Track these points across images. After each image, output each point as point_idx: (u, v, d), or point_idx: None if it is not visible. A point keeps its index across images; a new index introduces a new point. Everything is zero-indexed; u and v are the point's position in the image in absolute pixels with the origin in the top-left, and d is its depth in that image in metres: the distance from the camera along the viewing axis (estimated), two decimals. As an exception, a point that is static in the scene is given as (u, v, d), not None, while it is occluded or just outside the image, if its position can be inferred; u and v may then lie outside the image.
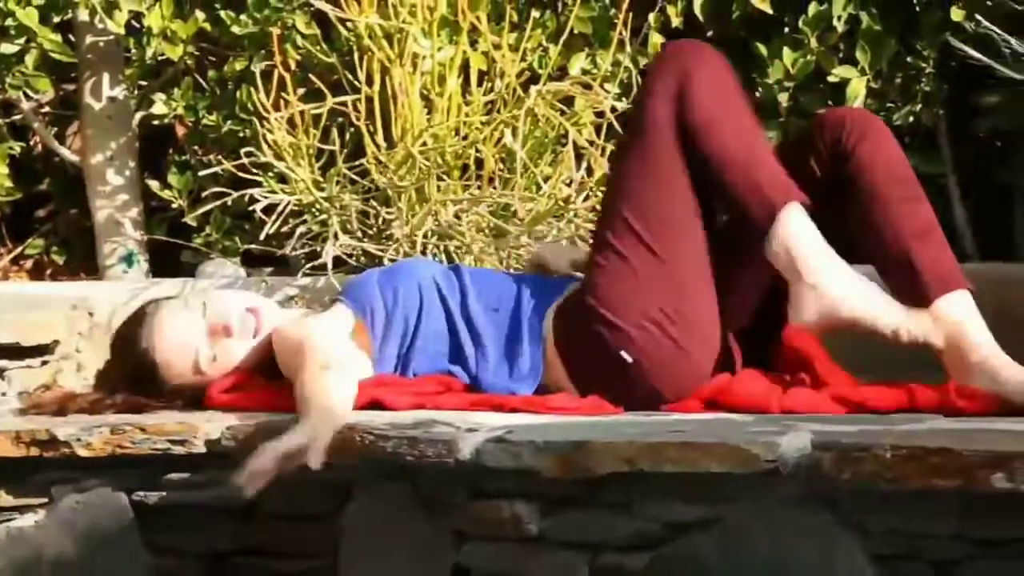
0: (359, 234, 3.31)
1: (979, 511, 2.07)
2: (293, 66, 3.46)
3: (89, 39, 3.91)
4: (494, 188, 3.30)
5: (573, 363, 2.63)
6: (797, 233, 2.53)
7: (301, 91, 3.39)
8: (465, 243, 3.25)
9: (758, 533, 2.18)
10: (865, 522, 2.15)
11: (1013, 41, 3.17)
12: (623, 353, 2.58)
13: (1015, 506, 2.04)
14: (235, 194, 3.39)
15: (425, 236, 3.25)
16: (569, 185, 3.31)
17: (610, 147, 3.31)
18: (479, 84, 3.34)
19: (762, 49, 3.61)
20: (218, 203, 3.49)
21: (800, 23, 3.56)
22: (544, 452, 2.24)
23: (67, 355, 3.11)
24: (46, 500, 2.51)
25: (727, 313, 2.62)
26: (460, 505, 2.32)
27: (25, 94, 3.91)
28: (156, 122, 3.90)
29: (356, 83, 3.34)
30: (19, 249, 4.24)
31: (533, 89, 3.30)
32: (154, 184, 3.84)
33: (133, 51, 3.83)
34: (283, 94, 3.30)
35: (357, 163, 3.35)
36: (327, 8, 3.39)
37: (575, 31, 3.53)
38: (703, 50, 2.67)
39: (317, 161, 3.35)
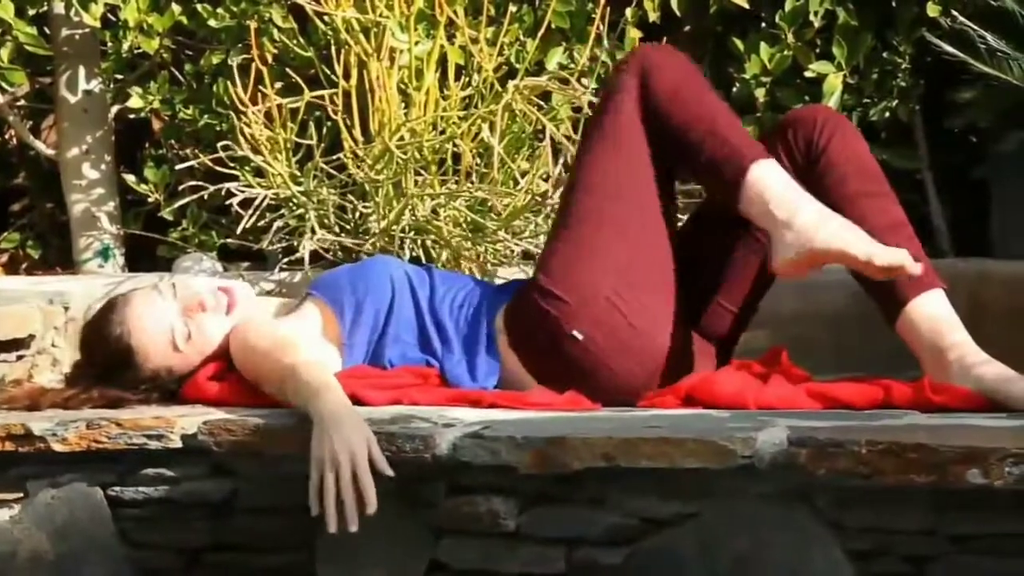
0: (336, 229, 3.31)
1: (954, 507, 2.08)
2: (270, 60, 3.45)
3: (65, 32, 3.89)
4: (471, 183, 3.30)
5: (527, 354, 2.64)
6: (768, 176, 2.54)
7: (278, 85, 3.39)
8: (442, 238, 3.25)
9: (734, 528, 2.19)
10: (841, 517, 2.15)
11: (989, 37, 3.19)
12: (575, 332, 2.59)
13: (989, 502, 2.05)
14: (212, 188, 3.38)
15: (402, 231, 3.25)
16: (546, 180, 3.31)
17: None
18: (456, 79, 3.34)
19: (739, 44, 3.62)
20: (194, 197, 3.48)
21: (777, 18, 3.58)
22: (521, 447, 2.25)
23: (43, 350, 3.09)
24: (21, 495, 2.50)
25: (713, 299, 2.64)
26: (437, 500, 2.32)
27: (0, 87, 3.89)
28: (132, 116, 3.89)
29: (333, 77, 3.34)
30: (-6, 243, 4.22)
31: (510, 84, 3.30)
32: (130, 178, 3.82)
33: (109, 44, 3.82)
34: (260, 88, 3.29)
35: (334, 157, 3.35)
36: (304, 2, 3.39)
37: (552, 26, 3.53)
38: (666, 47, 2.71)
39: (294, 155, 3.34)
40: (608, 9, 3.43)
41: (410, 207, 3.25)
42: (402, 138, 3.25)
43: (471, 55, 3.36)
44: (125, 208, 3.96)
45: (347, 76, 3.32)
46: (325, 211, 3.30)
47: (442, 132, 3.29)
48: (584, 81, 3.47)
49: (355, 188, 3.33)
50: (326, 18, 3.41)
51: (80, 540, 2.48)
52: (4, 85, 3.88)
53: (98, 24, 3.73)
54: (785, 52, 3.57)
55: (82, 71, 3.90)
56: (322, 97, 3.34)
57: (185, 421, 2.45)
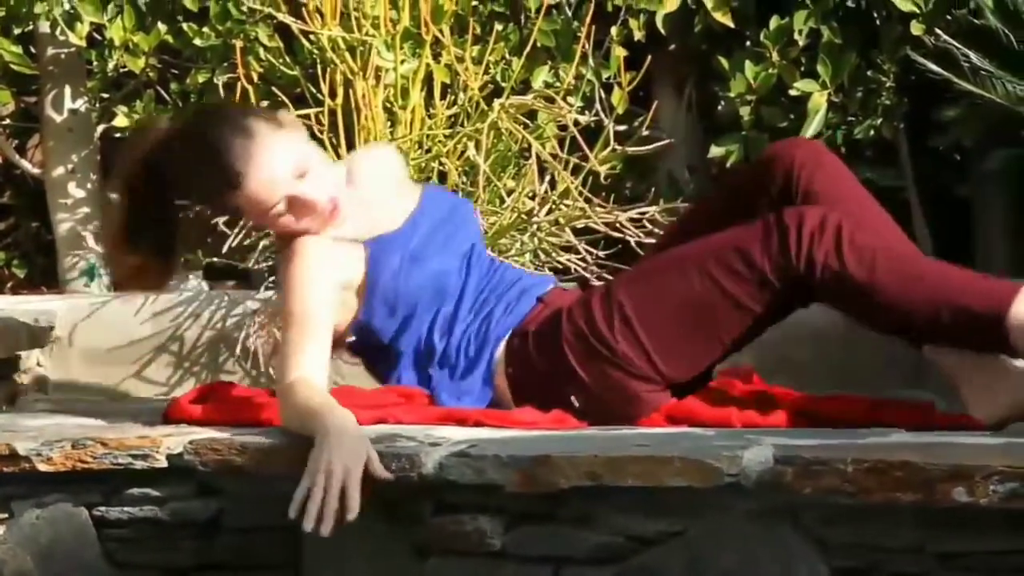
0: (322, 247, 3.30)
1: (940, 525, 2.08)
2: (256, 79, 3.45)
3: (50, 51, 3.89)
4: (457, 201, 3.30)
5: (522, 392, 2.64)
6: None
7: (264, 104, 3.38)
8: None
9: (721, 546, 2.18)
10: (827, 535, 2.15)
11: (972, 55, 3.20)
12: (573, 398, 2.59)
13: (975, 520, 2.05)
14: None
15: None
16: (532, 198, 3.31)
17: (573, 160, 3.32)
18: (442, 97, 3.35)
19: (724, 63, 3.63)
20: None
21: (762, 37, 3.59)
22: (507, 466, 2.25)
23: (28, 369, 3.09)
24: (6, 515, 2.49)
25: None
26: (423, 519, 2.32)
27: (-15, 106, 3.90)
28: (118, 135, 3.89)
29: (319, 96, 3.34)
30: (-21, 262, 4.22)
31: (496, 102, 3.30)
32: (116, 197, 3.81)
33: (95, 63, 3.82)
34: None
35: (320, 176, 3.34)
36: (290, 21, 3.39)
37: (538, 44, 3.54)
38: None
39: (280, 174, 3.34)
40: (593, 28, 3.43)
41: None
42: (388, 157, 3.25)
43: (457, 73, 3.36)
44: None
45: (333, 95, 3.33)
46: (311, 230, 3.29)
47: (428, 150, 3.30)
48: (570, 99, 3.47)
49: (341, 207, 3.33)
50: (312, 37, 3.41)
51: (65, 561, 2.47)
52: (-10, 104, 3.89)
53: (84, 43, 3.73)
54: (770, 71, 3.58)
55: (68, 90, 3.90)
56: (308, 115, 3.34)
57: (171, 440, 2.45)
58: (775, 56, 3.58)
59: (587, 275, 3.27)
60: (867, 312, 2.50)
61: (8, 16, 3.77)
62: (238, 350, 3.24)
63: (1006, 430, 2.42)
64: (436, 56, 3.39)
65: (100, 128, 3.96)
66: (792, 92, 3.57)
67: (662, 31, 3.65)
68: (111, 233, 2.80)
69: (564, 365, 2.60)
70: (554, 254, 3.29)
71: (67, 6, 3.70)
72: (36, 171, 3.98)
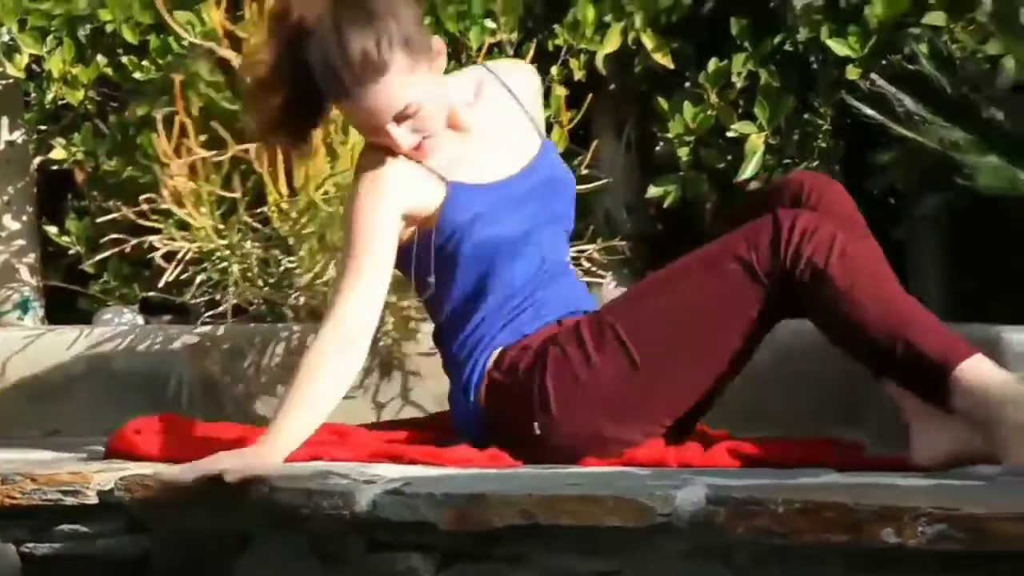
0: (260, 282, 3.30)
1: (869, 566, 2.10)
2: (195, 112, 3.45)
3: (-12, 82, 3.87)
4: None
5: (492, 402, 2.63)
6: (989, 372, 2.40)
7: (203, 138, 3.38)
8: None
9: (653, 586, 2.19)
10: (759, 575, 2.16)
11: (907, 101, 3.23)
12: (535, 425, 2.59)
13: (904, 561, 2.07)
14: (134, 241, 3.36)
15: (326, 284, 3.24)
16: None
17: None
18: (382, 134, 3.34)
19: (663, 103, 3.65)
20: (116, 250, 3.46)
21: (700, 78, 3.62)
22: (441, 504, 2.24)
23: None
24: (-67, 551, 2.46)
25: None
26: (356, 557, 2.31)
27: (-79, 137, 3.86)
28: (55, 167, 3.86)
29: (259, 131, 3.33)
30: (-88, 293, 4.17)
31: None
32: (52, 230, 3.79)
33: (32, 95, 3.80)
34: (185, 140, 3.29)
35: (259, 211, 3.34)
36: (230, 55, 3.39)
37: (479, 83, 3.55)
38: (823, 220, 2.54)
39: (218, 208, 3.33)
40: (534, 66, 3.45)
41: (334, 260, 3.25)
42: (327, 191, 3.25)
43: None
44: (46, 260, 3.93)
45: (273, 130, 3.32)
46: (249, 264, 3.28)
47: (367, 187, 3.29)
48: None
49: (279, 242, 3.32)
50: (252, 72, 3.41)
51: (-8, 597, 2.44)
52: (-74, 135, 3.85)
53: (22, 75, 3.71)
54: (708, 112, 3.61)
55: (5, 121, 3.87)
56: (247, 150, 3.33)
57: (101, 476, 2.43)
58: (713, 98, 3.61)
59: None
60: (833, 321, 2.48)
61: (-54, 47, 3.76)
62: (172, 384, 3.22)
63: (936, 472, 2.44)
64: (377, 93, 3.39)
65: (37, 160, 3.93)
66: (730, 133, 3.60)
67: (602, 71, 3.68)
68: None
69: (538, 389, 2.59)
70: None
71: (6, 38, 3.68)
72: (-28, 202, 3.95)
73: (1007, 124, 3.19)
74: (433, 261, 2.65)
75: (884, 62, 3.46)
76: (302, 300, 3.24)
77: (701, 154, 3.64)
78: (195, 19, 3.55)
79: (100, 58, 3.73)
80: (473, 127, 2.72)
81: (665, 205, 3.67)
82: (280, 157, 3.29)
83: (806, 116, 3.62)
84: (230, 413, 3.18)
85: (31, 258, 3.89)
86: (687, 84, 3.68)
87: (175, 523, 2.39)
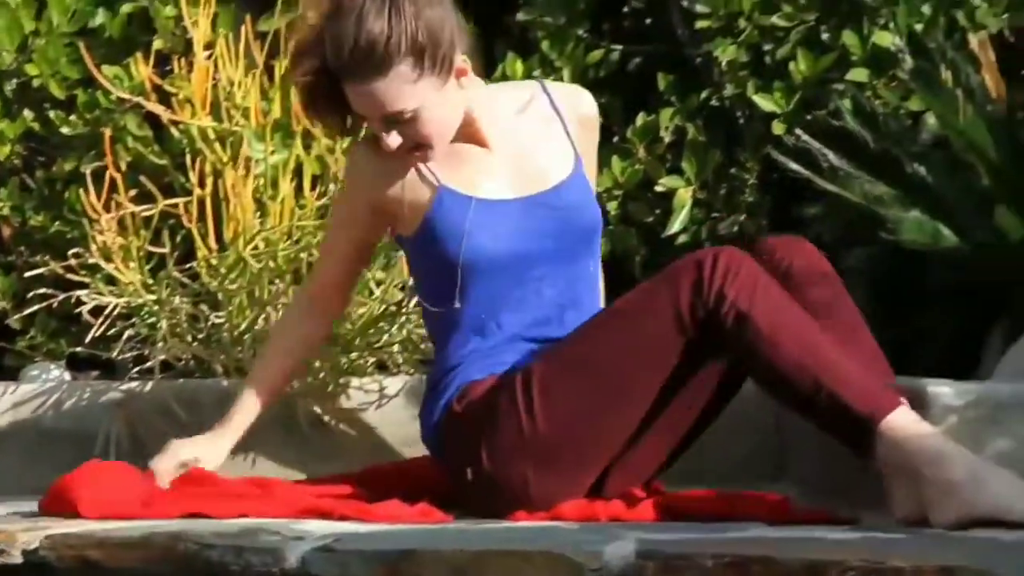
0: (188, 338, 3.28)
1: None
2: (124, 167, 3.44)
3: (-87, 136, 3.84)
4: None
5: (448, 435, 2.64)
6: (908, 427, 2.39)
7: (132, 192, 3.37)
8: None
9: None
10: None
11: (831, 155, 3.28)
12: (468, 471, 2.59)
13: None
14: (61, 296, 3.34)
15: (255, 340, 3.23)
16: (402, 289, 3.32)
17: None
18: (312, 188, 3.35)
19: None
20: (43, 305, 3.43)
21: (629, 133, 3.65)
22: (371, 561, 2.23)
23: None
24: None
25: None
26: (286, 614, 2.29)
27: None
28: (-19, 221, 3.83)
29: (188, 185, 3.33)
30: None
31: (366, 194, 3.31)
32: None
33: (-41, 150, 3.77)
34: (113, 195, 3.27)
35: (188, 266, 3.33)
36: (159, 110, 3.38)
37: (408, 137, 3.56)
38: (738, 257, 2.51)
39: (147, 263, 3.32)
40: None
41: (264, 316, 3.24)
42: (257, 247, 3.25)
43: (327, 165, 3.37)
44: (-29, 315, 3.89)
45: (202, 184, 3.32)
46: (177, 320, 3.27)
47: (297, 241, 3.29)
48: (439, 192, 3.49)
49: (208, 297, 3.31)
50: (182, 126, 3.40)
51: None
52: None
53: (-52, 129, 3.69)
54: (636, 166, 3.64)
55: (-69, 176, 3.84)
56: (176, 205, 3.33)
57: (26, 536, 2.40)
58: (641, 152, 3.64)
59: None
60: (756, 366, 2.46)
61: None
62: (100, 440, 3.19)
63: (863, 525, 2.46)
64: (307, 147, 3.40)
65: (-37, 214, 3.90)
66: (658, 188, 3.63)
67: (531, 126, 3.70)
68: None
69: (477, 436, 2.58)
70: (422, 345, 3.30)
71: (-69, 92, 3.67)
72: None
73: (929, 179, 3.24)
74: (422, 265, 2.68)
75: (809, 117, 3.51)
76: (232, 355, 3.23)
77: (629, 208, 3.67)
78: (123, 74, 3.55)
79: (27, 113, 3.71)
80: (499, 144, 2.69)
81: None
82: (209, 212, 3.29)
83: (733, 170, 3.66)
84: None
85: (-43, 313, 3.85)
86: (615, 139, 3.71)
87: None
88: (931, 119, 3.40)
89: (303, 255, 3.30)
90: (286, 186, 3.31)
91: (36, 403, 3.28)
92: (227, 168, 3.32)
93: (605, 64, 3.72)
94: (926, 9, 3.49)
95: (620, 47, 3.75)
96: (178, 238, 3.39)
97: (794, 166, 3.31)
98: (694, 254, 2.52)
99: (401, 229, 2.71)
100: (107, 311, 3.25)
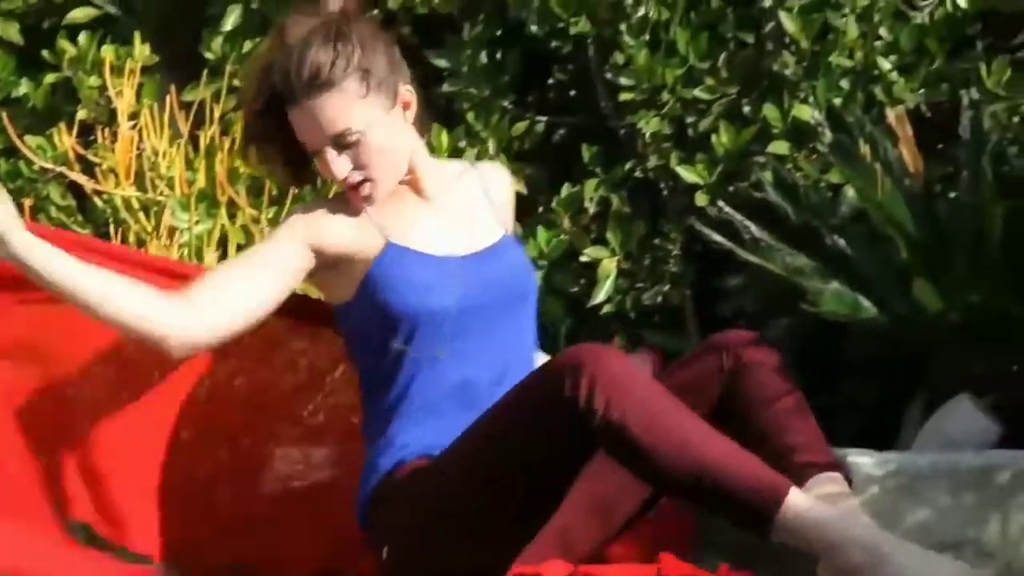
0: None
1: None
2: (46, 237, 3.41)
3: None
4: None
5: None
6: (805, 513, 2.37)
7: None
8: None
9: None
10: None
11: (753, 227, 3.31)
12: (385, 551, 2.55)
13: None
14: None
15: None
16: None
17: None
18: (237, 258, 3.34)
19: (518, 228, 3.70)
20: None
21: (554, 204, 3.67)
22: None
23: None
24: None
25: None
26: None
27: None
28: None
29: (111, 256, 3.31)
30: None
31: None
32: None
33: None
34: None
35: (110, 336, 3.30)
36: (83, 180, 3.37)
37: (334, 208, 3.57)
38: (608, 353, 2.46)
39: (68, 333, 3.29)
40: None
41: (187, 387, 3.22)
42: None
43: (252, 234, 3.37)
44: None
45: (125, 255, 3.30)
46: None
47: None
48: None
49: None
50: (105, 196, 3.39)
51: None
52: None
53: None
54: (561, 237, 3.66)
55: None
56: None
57: None
58: (566, 223, 3.66)
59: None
60: (641, 471, 2.42)
61: None
62: None
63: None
64: (232, 217, 3.39)
65: None
66: (583, 258, 3.65)
67: (457, 196, 3.72)
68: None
69: (390, 523, 2.56)
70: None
71: None
72: None
73: (848, 251, 3.28)
74: (358, 317, 2.60)
75: (731, 189, 3.55)
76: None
77: (555, 278, 3.68)
78: (46, 143, 3.54)
79: (-52, 181, 3.69)
80: (437, 199, 2.68)
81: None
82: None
83: (657, 241, 3.69)
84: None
85: None
86: (540, 209, 3.73)
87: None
88: (850, 192, 3.44)
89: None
90: (211, 256, 3.31)
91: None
92: (151, 238, 3.31)
93: (530, 135, 3.75)
94: (845, 84, 3.56)
95: (545, 118, 3.79)
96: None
97: (716, 237, 3.34)
98: (559, 360, 2.44)
99: (337, 287, 2.63)
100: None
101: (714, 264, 3.59)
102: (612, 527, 2.60)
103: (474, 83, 3.72)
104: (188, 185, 3.35)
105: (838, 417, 3.25)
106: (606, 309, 3.64)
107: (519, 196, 3.69)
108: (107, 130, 3.44)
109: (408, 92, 2.62)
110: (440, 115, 3.72)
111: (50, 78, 3.74)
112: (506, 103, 3.75)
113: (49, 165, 3.49)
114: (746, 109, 3.64)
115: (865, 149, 3.28)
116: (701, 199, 3.56)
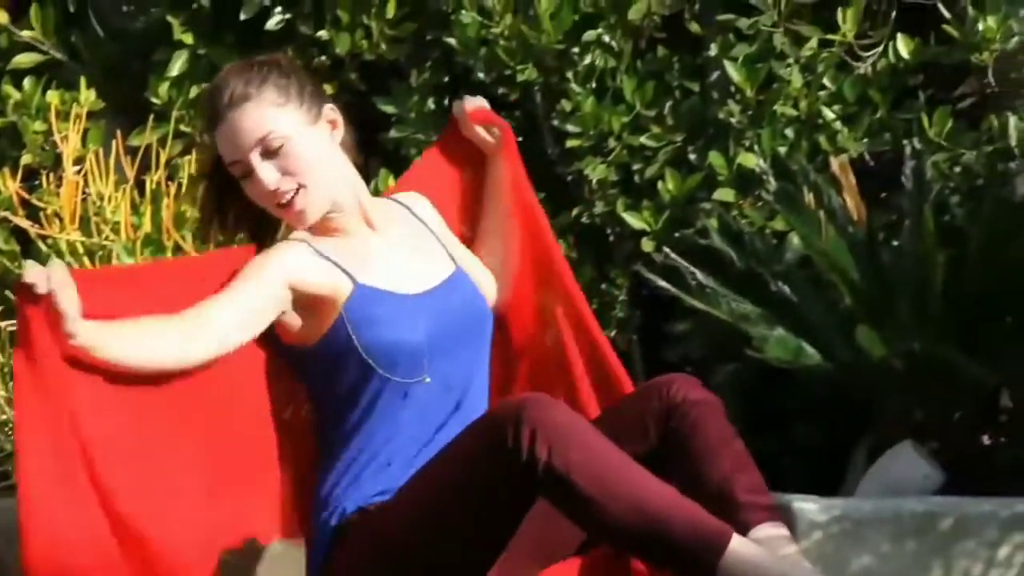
0: (53, 455, 3.22)
1: None
2: (-10, 282, 3.39)
3: None
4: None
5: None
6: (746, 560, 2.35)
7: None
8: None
9: None
10: None
11: (698, 273, 3.34)
12: None
13: None
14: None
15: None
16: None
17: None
18: (183, 304, 3.32)
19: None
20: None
21: (502, 250, 3.68)
22: None
23: None
24: None
25: None
26: None
27: None
28: None
29: (55, 300, 3.28)
30: None
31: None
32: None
33: None
34: (-21, 310, 3.23)
35: (53, 381, 3.27)
36: (26, 225, 3.35)
37: (281, 253, 3.56)
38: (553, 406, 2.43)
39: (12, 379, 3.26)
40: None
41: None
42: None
43: (198, 280, 3.35)
44: None
45: (69, 300, 3.27)
46: (42, 437, 3.21)
47: (166, 357, 3.26)
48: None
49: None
50: (50, 241, 3.37)
51: None
52: None
53: None
54: (509, 283, 3.67)
55: None
56: (43, 320, 3.27)
57: None
58: (514, 269, 3.67)
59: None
60: (584, 524, 2.41)
61: None
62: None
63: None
64: (177, 262, 3.38)
65: None
66: (530, 304, 3.66)
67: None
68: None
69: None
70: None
71: None
72: None
73: (793, 298, 3.31)
74: (324, 358, 2.58)
75: (677, 235, 3.57)
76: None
77: (502, 323, 3.69)
78: (-9, 187, 3.52)
79: None
80: (387, 233, 2.67)
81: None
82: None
83: (603, 286, 3.71)
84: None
85: None
86: (488, 255, 3.74)
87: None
88: (795, 239, 3.47)
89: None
90: (156, 301, 3.29)
91: None
92: (96, 283, 3.28)
93: (477, 181, 3.75)
94: (789, 132, 3.59)
95: (492, 165, 3.80)
96: (44, 353, 3.33)
97: (662, 283, 3.36)
98: (502, 409, 2.42)
99: (306, 327, 2.60)
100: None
101: (660, 309, 3.61)
102: (551, 568, 2.59)
103: (421, 129, 3.73)
104: (134, 230, 3.33)
105: (784, 462, 3.27)
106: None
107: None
108: (52, 175, 3.42)
109: (332, 111, 2.63)
110: (387, 160, 3.73)
111: (-6, 123, 3.73)
112: (453, 149, 3.75)
113: (-7, 210, 3.47)
114: (692, 156, 3.67)
115: (809, 197, 3.32)
116: (647, 245, 3.58)
